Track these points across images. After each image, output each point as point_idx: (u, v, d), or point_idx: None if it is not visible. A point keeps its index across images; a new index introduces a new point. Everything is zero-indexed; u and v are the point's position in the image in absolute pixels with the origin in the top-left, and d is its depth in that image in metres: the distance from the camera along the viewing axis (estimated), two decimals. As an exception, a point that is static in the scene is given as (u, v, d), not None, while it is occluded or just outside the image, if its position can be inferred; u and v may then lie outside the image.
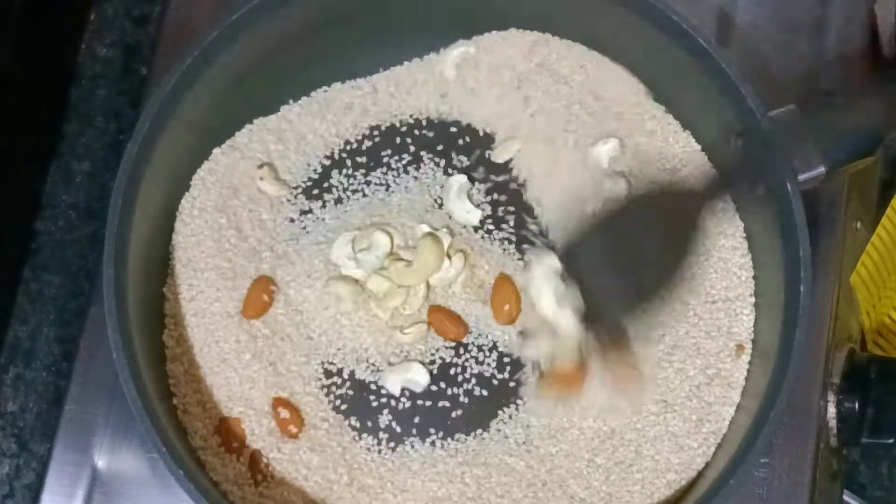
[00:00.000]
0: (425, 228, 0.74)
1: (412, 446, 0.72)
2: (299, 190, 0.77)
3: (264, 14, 0.73)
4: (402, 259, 0.74)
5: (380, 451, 0.72)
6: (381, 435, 0.72)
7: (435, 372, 0.73)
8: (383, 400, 0.73)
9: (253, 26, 0.73)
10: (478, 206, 0.76)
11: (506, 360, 0.74)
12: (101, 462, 0.74)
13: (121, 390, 0.66)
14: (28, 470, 0.86)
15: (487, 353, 0.74)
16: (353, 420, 0.73)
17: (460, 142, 0.78)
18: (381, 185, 0.77)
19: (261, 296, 0.73)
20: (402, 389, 0.73)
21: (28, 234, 0.90)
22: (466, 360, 0.74)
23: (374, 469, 0.72)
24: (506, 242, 0.76)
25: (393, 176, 0.77)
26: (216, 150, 0.77)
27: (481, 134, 0.78)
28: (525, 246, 0.75)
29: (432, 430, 0.72)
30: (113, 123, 0.93)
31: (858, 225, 0.80)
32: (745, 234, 0.74)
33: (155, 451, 0.66)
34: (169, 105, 0.71)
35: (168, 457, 0.65)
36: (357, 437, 0.72)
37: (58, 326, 0.89)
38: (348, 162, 0.78)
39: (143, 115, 0.70)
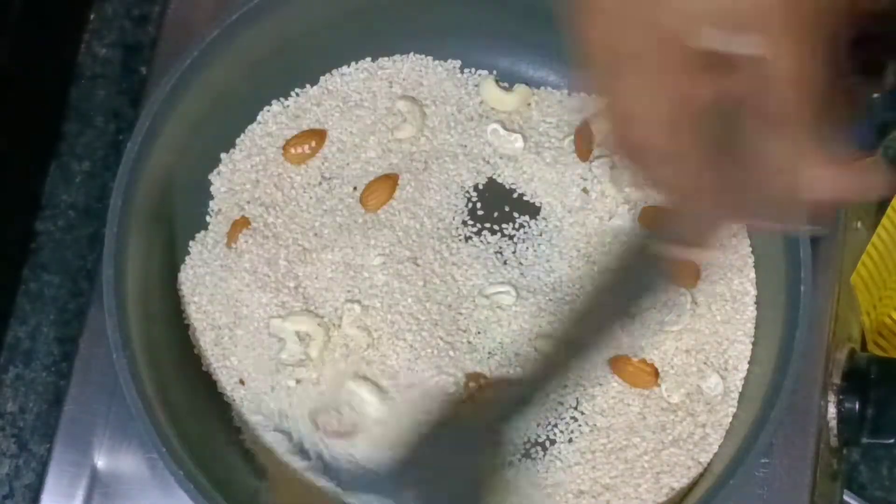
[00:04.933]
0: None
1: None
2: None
3: (264, 14, 0.73)
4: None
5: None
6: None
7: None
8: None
9: (253, 26, 0.73)
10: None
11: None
12: (100, 462, 0.74)
13: (121, 390, 0.66)
14: (28, 470, 0.86)
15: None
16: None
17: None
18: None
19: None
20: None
21: (28, 234, 0.90)
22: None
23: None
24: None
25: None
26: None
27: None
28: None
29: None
30: (113, 123, 0.93)
31: (858, 225, 0.80)
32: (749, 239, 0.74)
33: (155, 451, 0.66)
34: (169, 105, 0.71)
35: (168, 457, 0.65)
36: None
37: (58, 326, 0.89)
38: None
39: (143, 115, 0.70)
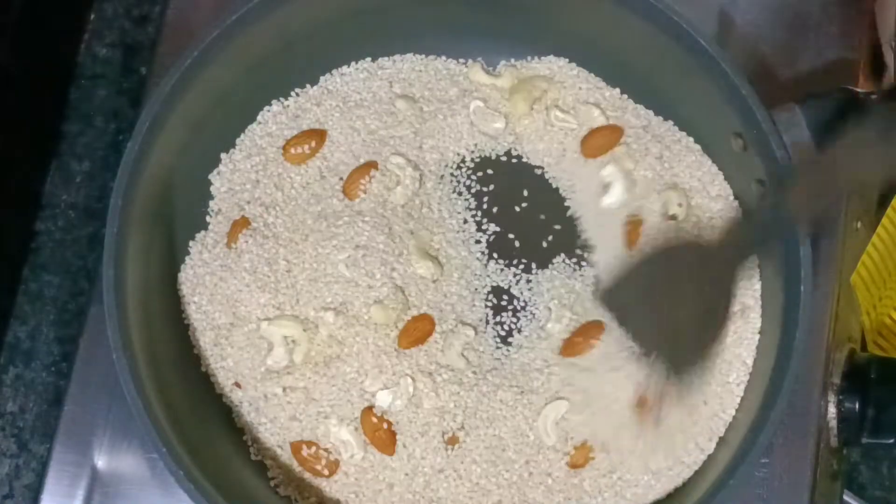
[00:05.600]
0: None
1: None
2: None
3: (264, 14, 0.73)
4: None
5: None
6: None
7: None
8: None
9: (253, 26, 0.73)
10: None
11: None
12: (100, 462, 0.74)
13: (121, 390, 0.66)
14: (28, 470, 0.86)
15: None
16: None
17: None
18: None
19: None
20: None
21: (28, 234, 0.90)
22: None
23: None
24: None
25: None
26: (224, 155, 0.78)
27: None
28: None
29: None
30: (113, 123, 0.93)
31: (858, 225, 0.80)
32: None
33: (155, 451, 0.66)
34: (169, 105, 0.71)
35: (168, 457, 0.65)
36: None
37: (58, 326, 0.89)
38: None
39: (143, 115, 0.70)
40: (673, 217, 0.74)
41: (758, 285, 0.73)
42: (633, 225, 0.74)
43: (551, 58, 0.79)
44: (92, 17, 0.95)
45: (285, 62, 0.77)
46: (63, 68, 0.93)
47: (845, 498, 0.83)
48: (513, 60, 0.79)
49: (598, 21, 0.75)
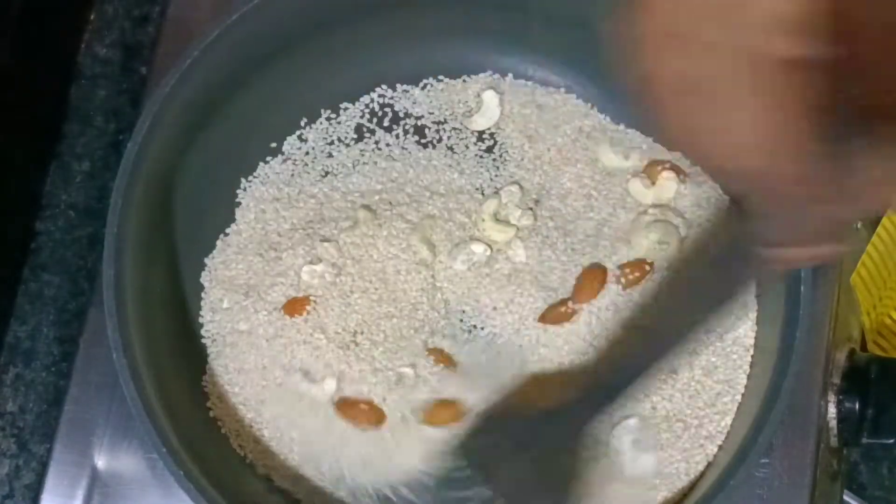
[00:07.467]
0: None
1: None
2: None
3: (265, 14, 0.73)
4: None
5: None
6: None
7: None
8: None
9: (253, 26, 0.73)
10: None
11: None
12: (100, 462, 0.75)
13: (121, 390, 0.66)
14: (27, 470, 0.86)
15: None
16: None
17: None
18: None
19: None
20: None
21: (28, 234, 0.90)
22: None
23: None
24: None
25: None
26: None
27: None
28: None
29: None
30: (113, 123, 0.93)
31: (858, 225, 0.80)
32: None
33: (155, 451, 0.66)
34: (169, 105, 0.71)
35: (168, 457, 0.65)
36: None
37: (58, 326, 0.89)
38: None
39: (143, 115, 0.70)
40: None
41: (757, 286, 0.73)
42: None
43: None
44: (92, 17, 0.95)
45: (287, 63, 0.77)
46: (63, 68, 0.93)
47: (845, 498, 0.83)
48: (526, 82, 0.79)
49: (594, 20, 0.75)
